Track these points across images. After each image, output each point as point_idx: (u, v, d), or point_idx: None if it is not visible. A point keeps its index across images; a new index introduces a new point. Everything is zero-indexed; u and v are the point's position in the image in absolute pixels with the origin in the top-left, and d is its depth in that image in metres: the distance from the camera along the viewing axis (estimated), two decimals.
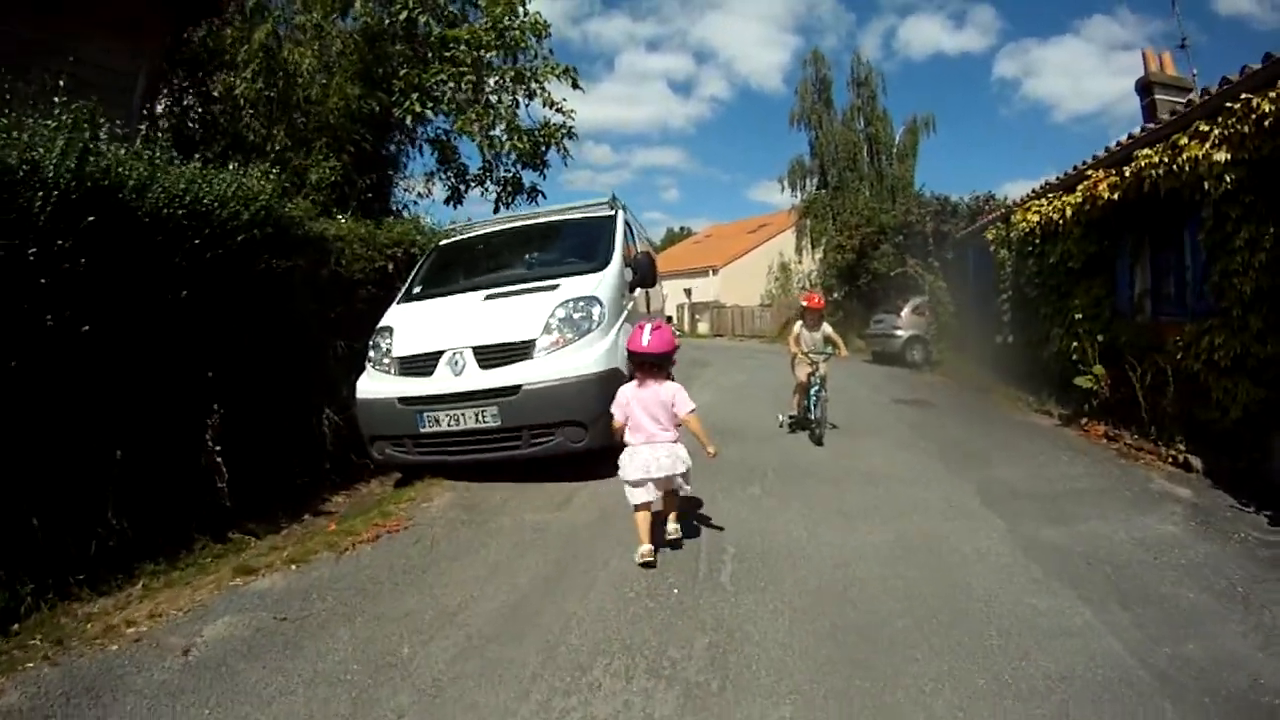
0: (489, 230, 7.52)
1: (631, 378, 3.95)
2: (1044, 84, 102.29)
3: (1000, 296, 10.13)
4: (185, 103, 9.43)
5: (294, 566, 3.93)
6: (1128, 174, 6.87)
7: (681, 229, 65.01)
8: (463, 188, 11.86)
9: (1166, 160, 6.26)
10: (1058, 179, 8.83)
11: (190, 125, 9.26)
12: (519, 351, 5.22)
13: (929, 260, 14.40)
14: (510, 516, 4.68)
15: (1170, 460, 5.87)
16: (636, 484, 3.68)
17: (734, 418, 7.95)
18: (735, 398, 9.62)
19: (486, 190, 11.76)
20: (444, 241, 7.40)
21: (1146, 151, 6.57)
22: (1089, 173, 7.63)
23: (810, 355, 6.82)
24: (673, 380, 3.88)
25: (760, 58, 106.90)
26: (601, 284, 5.65)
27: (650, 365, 3.77)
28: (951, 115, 77.45)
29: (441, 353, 5.35)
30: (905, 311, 15.59)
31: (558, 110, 11.57)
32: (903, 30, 77.91)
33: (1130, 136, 7.17)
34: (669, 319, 27.94)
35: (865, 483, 5.30)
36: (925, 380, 12.33)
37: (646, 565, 3.61)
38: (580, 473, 5.28)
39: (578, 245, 6.67)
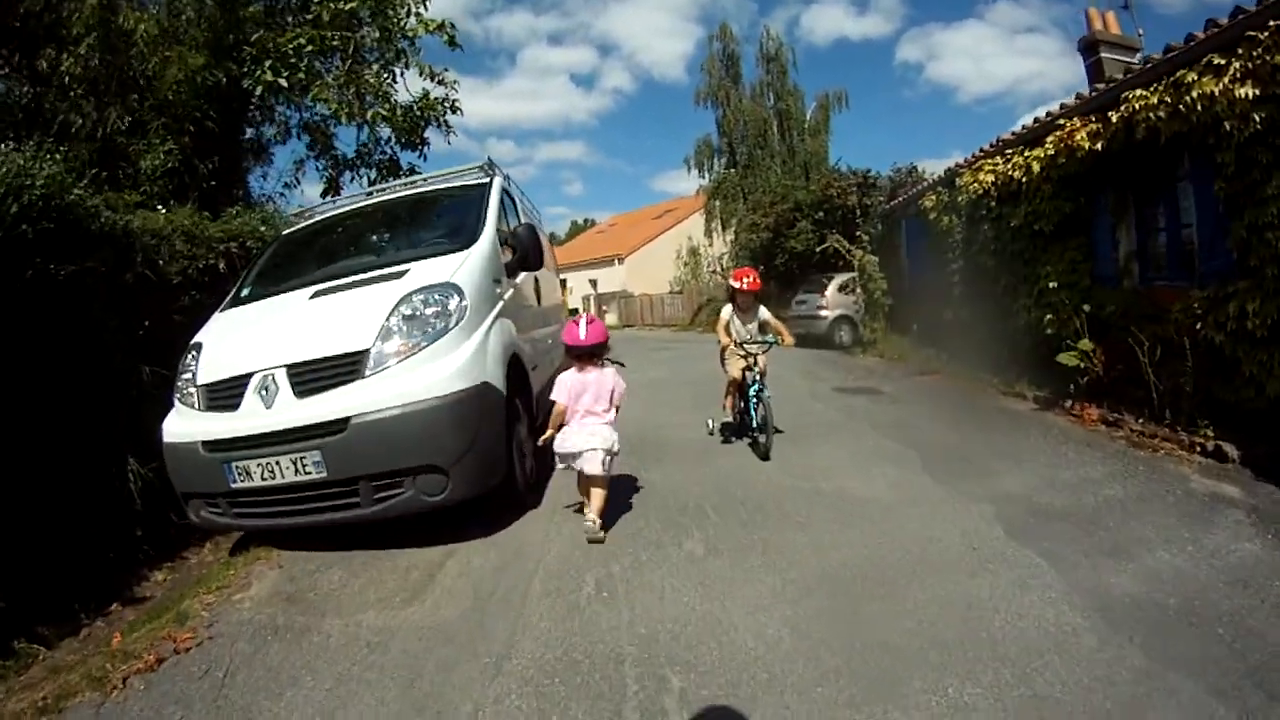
0: (341, 212, 6.14)
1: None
2: (947, 67, 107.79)
3: (948, 268, 9.31)
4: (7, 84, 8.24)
5: None
6: (1114, 120, 6.02)
7: (586, 221, 64.20)
8: (338, 175, 10.58)
9: (1169, 100, 5.44)
10: (1013, 134, 8.02)
11: (14, 111, 8.13)
12: (346, 368, 3.68)
13: (856, 235, 13.61)
14: (343, 617, 3.19)
15: (1197, 449, 5.00)
16: (574, 456, 3.88)
17: (655, 427, 6.72)
18: (653, 399, 8.32)
19: (360, 176, 10.53)
20: (288, 231, 6.11)
21: (1140, 92, 5.72)
22: (1060, 121, 6.78)
23: (746, 347, 5.57)
24: (608, 366, 4.07)
25: (663, 48, 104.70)
26: (464, 267, 4.19)
27: (588, 355, 3.97)
28: (856, 98, 79.21)
29: (249, 376, 3.79)
30: (830, 290, 14.82)
31: (439, 81, 10.27)
32: (805, 17, 79.20)
33: (1081, 96, 6.43)
34: (573, 311, 27.00)
35: (844, 516, 4.04)
36: (861, 363, 11.50)
37: (594, 540, 3.82)
38: (451, 527, 3.94)
39: (441, 221, 5.30)
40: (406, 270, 4.19)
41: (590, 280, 36.77)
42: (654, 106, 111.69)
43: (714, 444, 5.92)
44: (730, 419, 6.04)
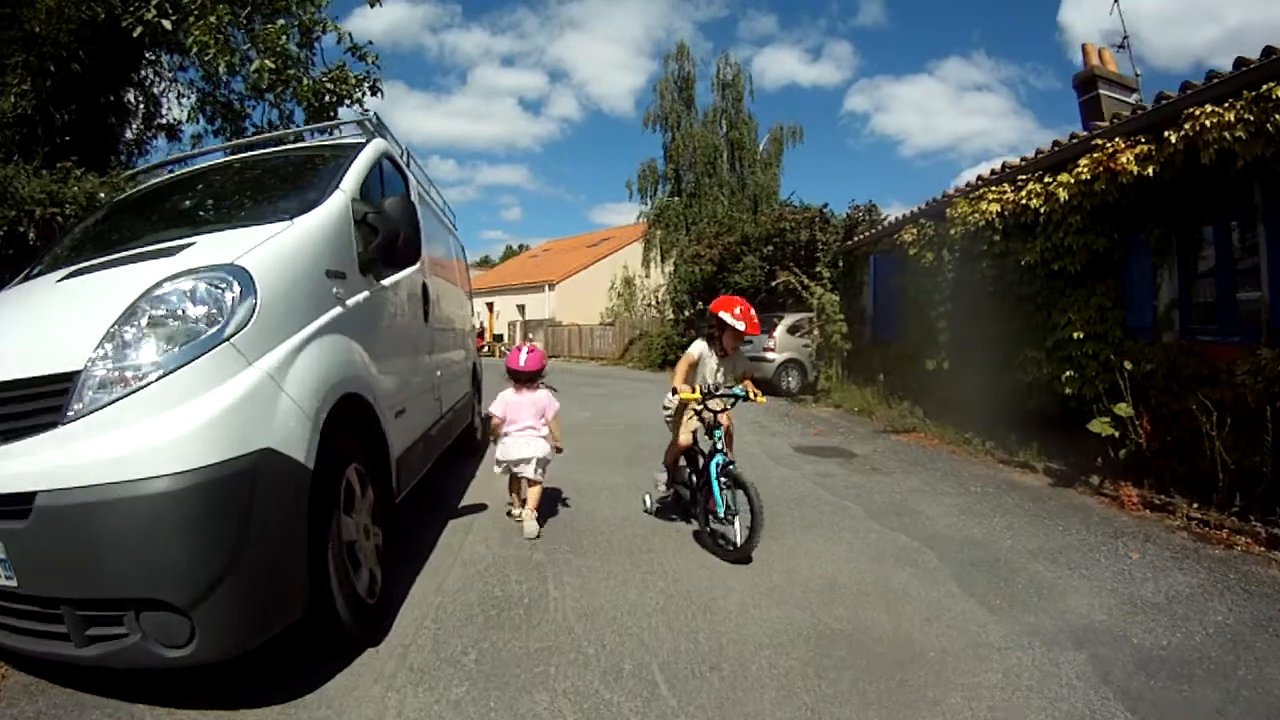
0: (183, 172, 4.57)
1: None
2: (894, 119, 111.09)
3: (932, 311, 8.27)
4: None
5: None
6: (1173, 140, 5.05)
7: (521, 247, 62.98)
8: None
9: (1250, 118, 4.49)
10: (1024, 160, 7.06)
11: None
12: (44, 404, 2.04)
13: (815, 272, 12.62)
14: None
15: None
16: (515, 463, 4.37)
17: (576, 490, 5.26)
18: (577, 450, 6.80)
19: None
20: (121, 196, 4.59)
21: (1210, 109, 4.76)
22: (1098, 142, 5.81)
23: (710, 404, 4.06)
24: (543, 389, 4.50)
25: (614, 80, 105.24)
26: (267, 245, 2.55)
27: (526, 379, 4.46)
28: (805, 140, 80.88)
29: None
30: (779, 331, 13.72)
31: (360, 55, 8.96)
32: (759, 59, 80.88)
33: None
34: (499, 337, 25.24)
35: (881, 692, 2.46)
36: (817, 414, 10.34)
37: (532, 536, 4.18)
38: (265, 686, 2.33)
39: (285, 187, 3.68)
40: (187, 245, 2.60)
41: (518, 305, 35.05)
42: (600, 138, 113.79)
43: (655, 531, 4.38)
44: (668, 491, 4.61)
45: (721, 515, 3.94)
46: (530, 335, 32.20)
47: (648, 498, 4.76)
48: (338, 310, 2.77)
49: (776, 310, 16.24)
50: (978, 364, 7.45)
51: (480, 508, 4.85)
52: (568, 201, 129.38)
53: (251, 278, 2.30)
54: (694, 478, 4.34)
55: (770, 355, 13.52)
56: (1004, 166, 7.43)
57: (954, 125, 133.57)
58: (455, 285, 6.20)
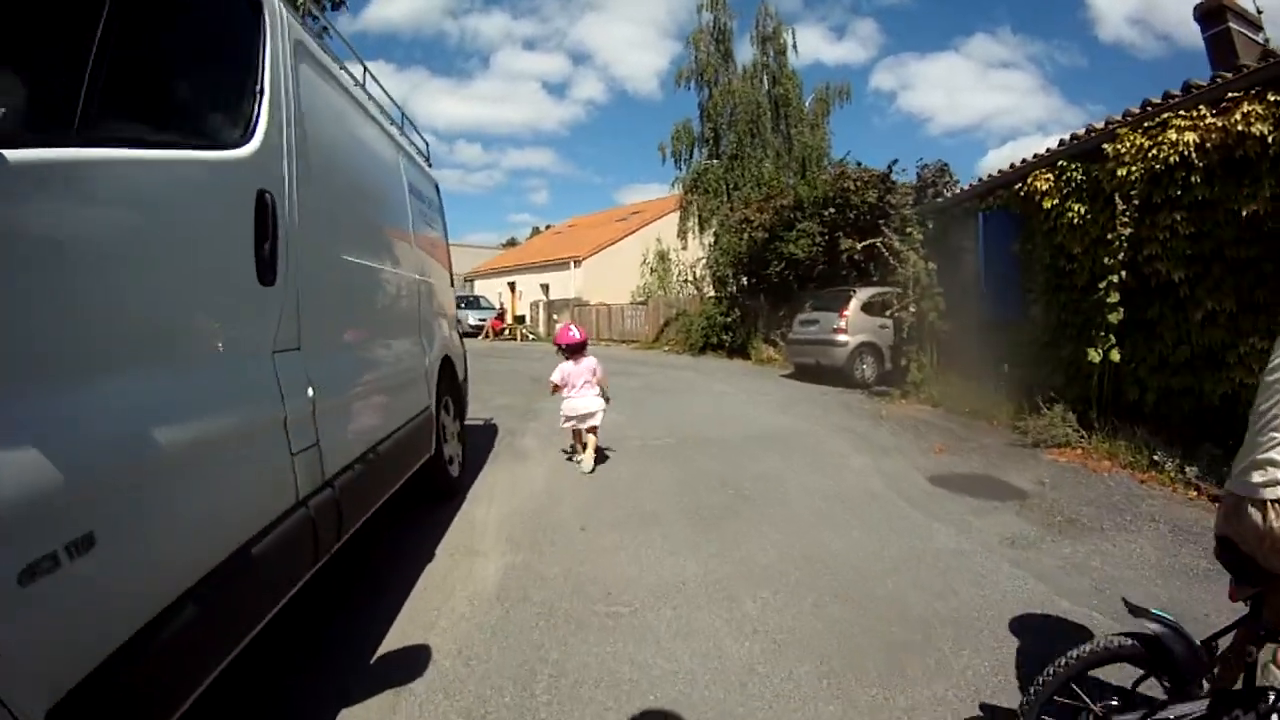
0: None
1: None
2: (920, 97, 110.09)
3: (1092, 283, 6.33)
4: None
5: None
6: None
7: (548, 227, 61.24)
8: None
9: None
10: (1225, 78, 5.15)
11: None
12: None
13: (906, 233, 10.64)
14: None
15: None
16: (578, 419, 5.77)
17: (594, 633, 3.53)
18: (603, 489, 5.22)
19: None
20: None
21: None
22: None
23: None
24: (589, 357, 5.92)
25: (638, 61, 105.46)
26: None
27: (578, 348, 5.88)
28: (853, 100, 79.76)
29: None
30: (851, 308, 11.83)
31: None
32: (784, 38, 78.90)
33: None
34: (520, 319, 23.80)
35: None
36: (915, 415, 8.49)
37: (577, 461, 5.78)
38: None
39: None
40: None
41: (541, 285, 33.35)
42: (626, 119, 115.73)
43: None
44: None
45: None
46: (555, 317, 30.56)
47: None
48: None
49: (837, 283, 14.37)
50: (1160, 355, 5.59)
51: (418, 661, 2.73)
52: (595, 183, 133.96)
53: None
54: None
55: (841, 338, 11.67)
56: (1188, 87, 5.51)
57: (980, 103, 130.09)
58: (399, 242, 4.06)
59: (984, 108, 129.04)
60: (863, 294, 12.08)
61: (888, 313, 11.01)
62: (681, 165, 23.27)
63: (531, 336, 28.69)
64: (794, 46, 22.93)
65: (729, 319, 17.99)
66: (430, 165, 5.38)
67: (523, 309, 33.46)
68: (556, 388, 5.85)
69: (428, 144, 5.47)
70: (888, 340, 11.81)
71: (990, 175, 8.84)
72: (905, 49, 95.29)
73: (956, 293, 9.40)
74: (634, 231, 32.00)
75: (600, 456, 5.95)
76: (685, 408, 9.15)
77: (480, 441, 6.62)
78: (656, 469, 5.75)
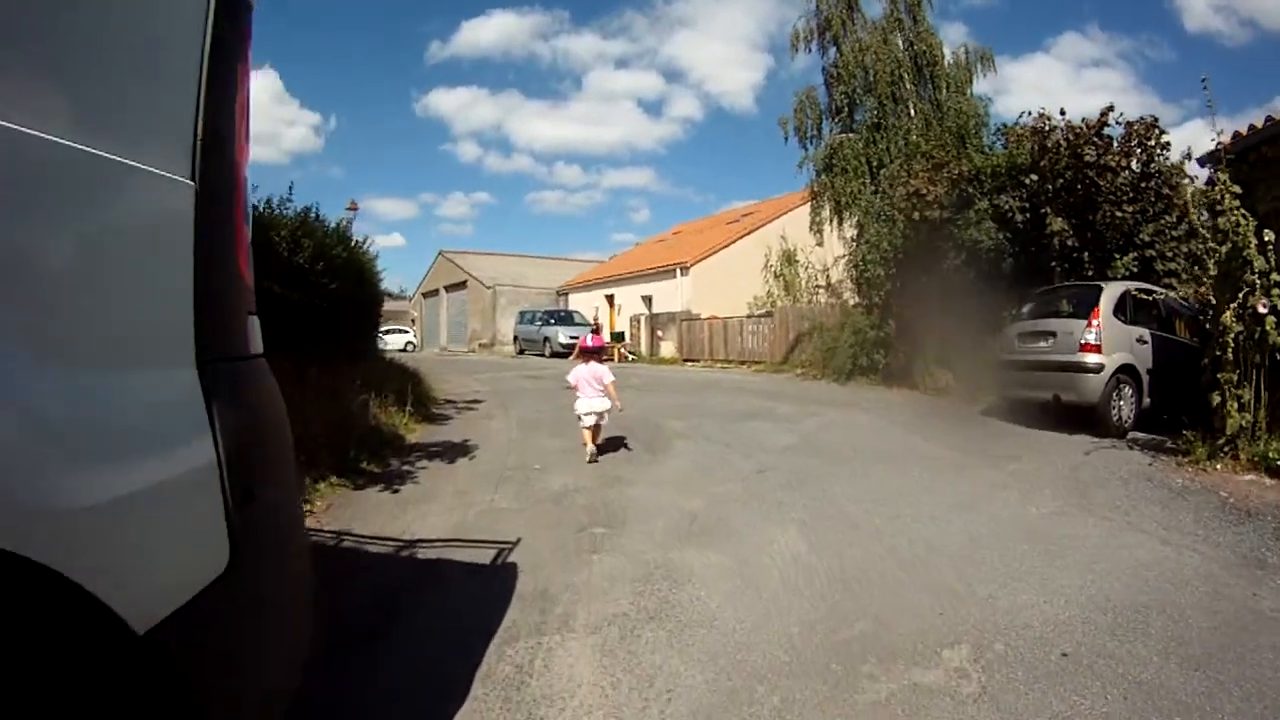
0: None
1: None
2: (1017, 101, 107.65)
3: None
4: None
5: None
6: None
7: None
8: None
9: None
10: None
11: None
12: None
13: (1094, 218, 7.02)
14: None
15: None
16: (584, 414, 7.01)
17: None
18: None
19: None
20: None
21: None
22: None
23: None
24: (603, 364, 7.39)
25: (732, 77, 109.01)
26: None
27: (593, 353, 7.49)
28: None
29: None
30: (1103, 314, 8.21)
31: None
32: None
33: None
34: (619, 336, 23.62)
35: None
36: (1254, 498, 5.13)
37: (592, 460, 6.88)
38: None
39: None
40: None
41: (643, 296, 30.52)
42: (723, 136, 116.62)
43: None
44: None
45: None
46: (659, 333, 27.60)
47: None
48: None
49: (1037, 280, 10.76)
50: None
51: None
52: (696, 202, 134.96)
53: None
54: None
55: (1092, 359, 8.06)
56: None
57: (1077, 104, 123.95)
58: None
59: (1082, 108, 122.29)
60: (1113, 291, 8.47)
61: (1203, 319, 7.37)
62: (807, 144, 19.80)
63: (632, 356, 25.90)
64: (930, 3, 19.13)
65: (882, 333, 14.41)
66: None
67: (622, 325, 30.71)
68: (573, 388, 7.18)
69: None
70: (1146, 361, 8.22)
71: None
72: (997, 52, 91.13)
73: None
74: (748, 233, 28.79)
75: None
76: (904, 513, 5.48)
77: None
78: None
